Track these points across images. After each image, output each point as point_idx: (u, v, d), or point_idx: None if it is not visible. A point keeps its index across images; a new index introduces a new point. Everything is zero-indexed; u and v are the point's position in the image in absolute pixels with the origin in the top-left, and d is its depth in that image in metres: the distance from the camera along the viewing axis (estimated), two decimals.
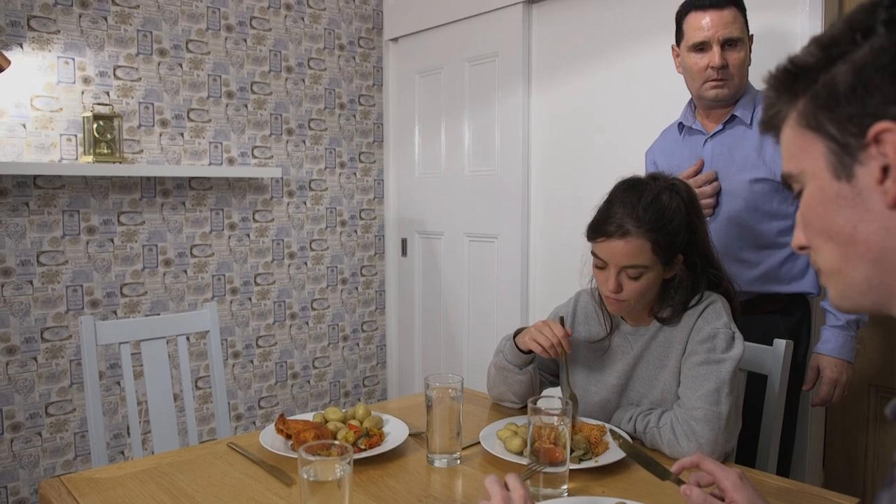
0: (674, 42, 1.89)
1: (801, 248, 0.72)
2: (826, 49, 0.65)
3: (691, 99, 1.92)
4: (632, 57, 2.48)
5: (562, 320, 1.57)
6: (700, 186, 1.80)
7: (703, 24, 1.76)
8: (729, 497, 0.99)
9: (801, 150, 0.68)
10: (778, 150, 1.74)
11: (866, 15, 0.63)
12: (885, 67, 0.60)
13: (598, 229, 1.42)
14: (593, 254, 1.44)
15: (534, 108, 2.85)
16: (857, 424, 2.15)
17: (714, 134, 1.85)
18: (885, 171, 0.61)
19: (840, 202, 0.65)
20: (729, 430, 1.35)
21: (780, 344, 1.58)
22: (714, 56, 1.75)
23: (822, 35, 0.66)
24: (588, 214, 1.47)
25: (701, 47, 1.77)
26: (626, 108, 2.50)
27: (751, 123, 1.80)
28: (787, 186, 0.72)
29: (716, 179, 1.82)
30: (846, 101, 0.62)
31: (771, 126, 0.72)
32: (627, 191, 1.43)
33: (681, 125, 1.95)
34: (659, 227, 1.38)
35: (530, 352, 1.53)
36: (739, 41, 1.76)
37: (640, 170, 1.51)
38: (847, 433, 2.16)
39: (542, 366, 1.67)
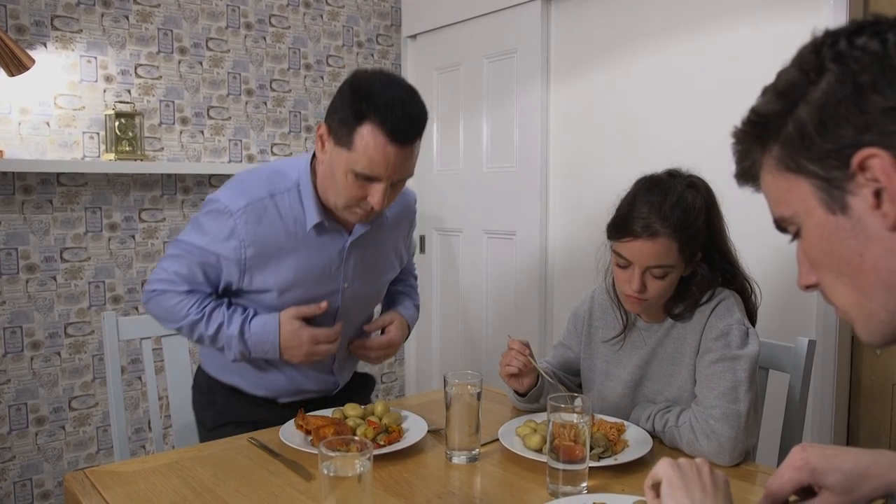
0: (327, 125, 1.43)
1: (809, 286, 0.73)
2: (785, 95, 0.67)
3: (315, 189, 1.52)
4: (651, 54, 2.46)
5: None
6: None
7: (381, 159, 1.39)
8: (818, 483, 0.85)
9: (788, 192, 0.69)
10: (408, 239, 1.74)
11: (814, 55, 0.65)
12: (847, 99, 0.62)
13: (624, 229, 1.39)
14: (616, 253, 1.42)
15: (552, 105, 2.84)
16: (880, 424, 2.12)
17: (360, 237, 1.56)
18: (878, 195, 0.62)
19: (840, 234, 0.66)
20: (749, 428, 1.33)
21: (802, 342, 1.57)
22: (376, 193, 1.41)
23: (776, 82, 0.69)
24: (608, 211, 1.45)
25: (368, 178, 1.39)
26: (645, 104, 2.49)
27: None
28: (782, 230, 0.73)
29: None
30: (820, 138, 0.64)
31: (749, 177, 0.74)
32: (651, 189, 1.40)
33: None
34: (685, 226, 1.36)
35: (527, 391, 1.55)
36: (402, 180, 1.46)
37: (660, 167, 1.49)
38: (870, 432, 2.14)
39: (564, 366, 1.67)
